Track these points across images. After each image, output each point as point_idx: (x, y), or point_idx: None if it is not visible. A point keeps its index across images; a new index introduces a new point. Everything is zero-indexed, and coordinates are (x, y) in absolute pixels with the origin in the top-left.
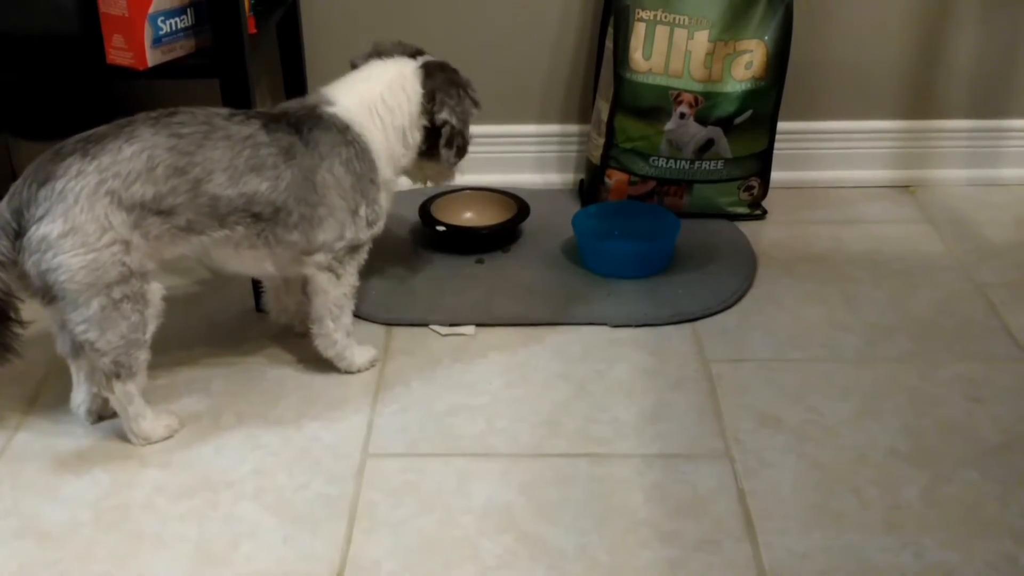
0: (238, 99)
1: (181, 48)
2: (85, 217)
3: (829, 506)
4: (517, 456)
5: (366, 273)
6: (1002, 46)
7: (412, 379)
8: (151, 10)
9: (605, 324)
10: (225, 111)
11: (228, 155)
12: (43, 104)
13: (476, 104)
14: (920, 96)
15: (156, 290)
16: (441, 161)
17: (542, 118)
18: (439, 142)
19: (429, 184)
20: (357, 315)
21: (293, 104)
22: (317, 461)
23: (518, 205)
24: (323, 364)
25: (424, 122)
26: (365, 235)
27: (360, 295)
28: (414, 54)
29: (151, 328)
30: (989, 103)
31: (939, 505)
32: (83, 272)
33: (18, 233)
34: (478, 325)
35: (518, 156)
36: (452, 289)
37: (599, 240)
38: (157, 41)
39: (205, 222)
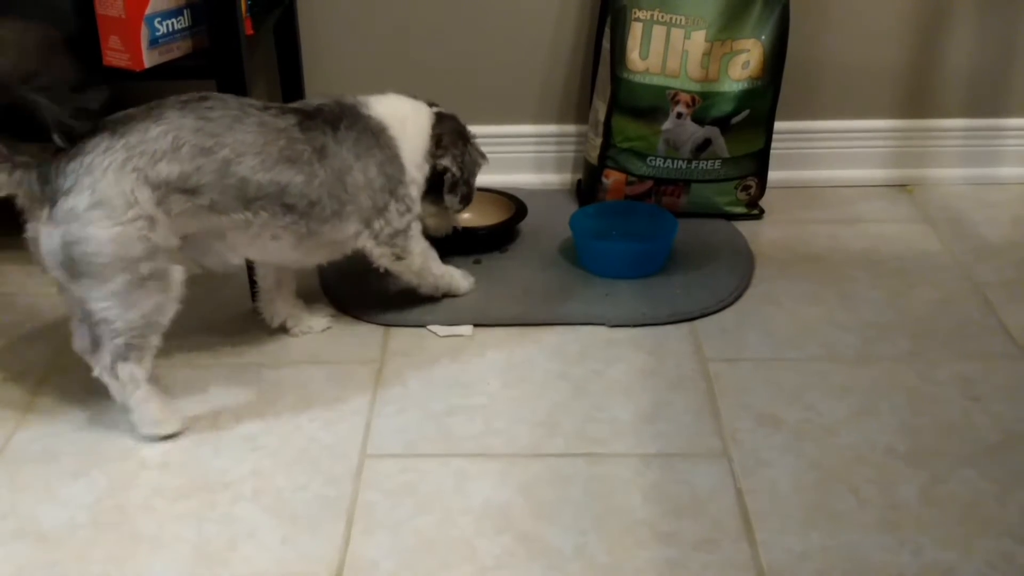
0: None
1: (178, 49)
2: (112, 191)
3: (827, 505)
4: (515, 456)
5: (364, 273)
6: (999, 45)
7: (410, 380)
8: (148, 11)
9: (603, 324)
10: (259, 103)
11: (261, 140)
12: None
13: (483, 157)
14: (917, 95)
15: (178, 273)
16: (446, 206)
17: (539, 118)
18: (442, 188)
19: (427, 230)
20: (354, 315)
21: (328, 101)
22: (315, 462)
23: (516, 206)
24: (321, 365)
25: (430, 161)
26: (401, 223)
27: (358, 295)
28: (428, 104)
29: (171, 313)
30: (986, 102)
31: (937, 504)
32: (111, 245)
33: (41, 199)
34: (476, 325)
35: (515, 156)
36: None
37: (597, 240)
38: (154, 42)
39: (230, 204)
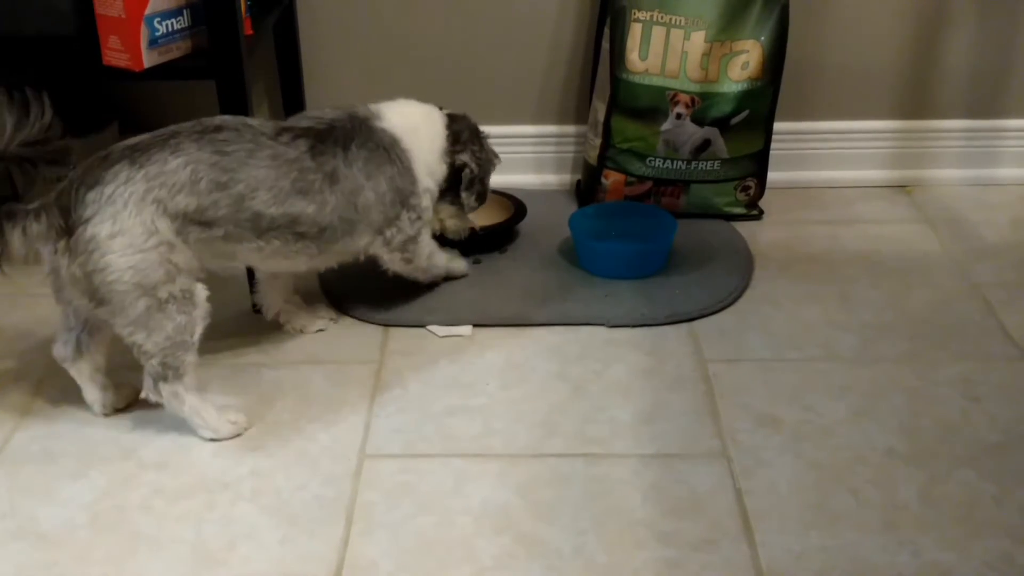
0: (234, 100)
1: (177, 49)
2: (133, 221)
3: (826, 506)
4: (514, 456)
5: (363, 273)
6: (998, 46)
7: (409, 380)
8: (147, 11)
9: (602, 324)
10: (270, 128)
11: (273, 175)
12: None
13: (496, 156)
14: (916, 96)
15: (201, 290)
16: (462, 204)
17: (539, 119)
18: (459, 187)
19: (445, 232)
20: (354, 316)
21: (340, 116)
22: (314, 462)
23: (515, 206)
24: (320, 365)
25: (447, 160)
26: (412, 230)
27: (357, 295)
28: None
29: (199, 330)
30: (985, 103)
31: (936, 504)
32: (130, 272)
33: (62, 231)
34: (475, 326)
35: (515, 157)
36: (449, 290)
37: (596, 240)
38: (153, 42)
39: (244, 235)
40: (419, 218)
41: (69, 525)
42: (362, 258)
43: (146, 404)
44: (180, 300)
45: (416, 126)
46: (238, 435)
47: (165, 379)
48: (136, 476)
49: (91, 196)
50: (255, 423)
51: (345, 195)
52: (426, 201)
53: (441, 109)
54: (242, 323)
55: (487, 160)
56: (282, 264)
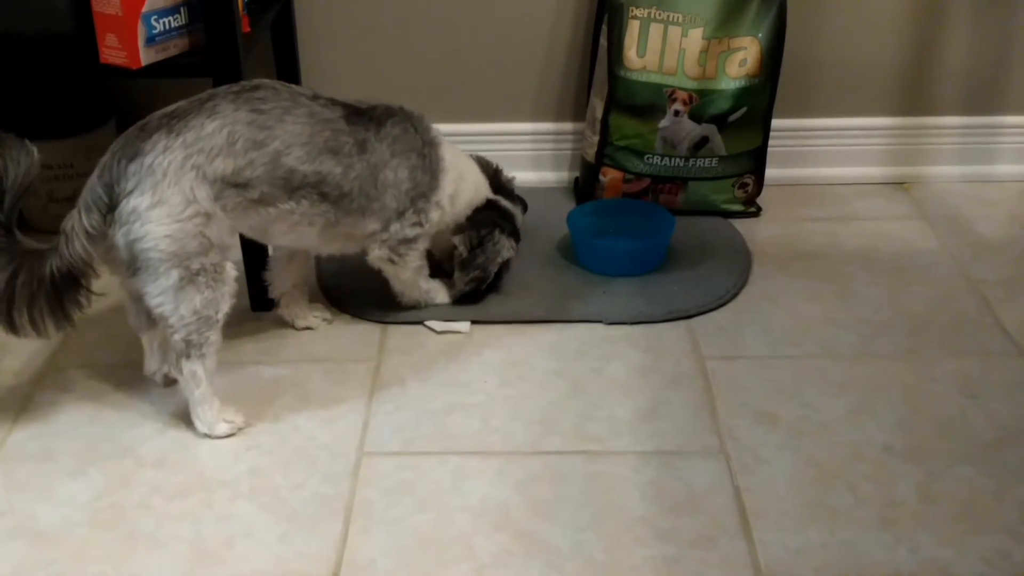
0: None
1: (175, 47)
2: (172, 191)
3: (824, 503)
4: (513, 454)
5: (361, 271)
6: (995, 42)
7: (407, 377)
8: (144, 9)
9: (600, 322)
10: (309, 91)
11: (308, 131)
12: (37, 104)
13: (513, 248)
14: (914, 93)
15: (231, 268)
16: (455, 286)
17: (537, 116)
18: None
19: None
20: (352, 313)
21: (389, 105)
22: (313, 460)
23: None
24: (319, 363)
25: (454, 230)
26: (411, 233)
27: (355, 293)
28: (494, 173)
29: (224, 308)
30: (983, 99)
31: (934, 501)
32: (167, 241)
33: (110, 207)
34: (473, 323)
35: (513, 154)
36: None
37: (594, 238)
38: (150, 40)
39: (277, 194)
40: (420, 224)
41: (67, 523)
42: (360, 248)
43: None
44: (210, 274)
45: (466, 166)
46: (231, 435)
47: (188, 356)
48: (134, 474)
49: (132, 168)
50: (253, 421)
51: (370, 167)
52: (435, 215)
53: (495, 176)
54: (240, 321)
55: (494, 251)
56: (304, 234)
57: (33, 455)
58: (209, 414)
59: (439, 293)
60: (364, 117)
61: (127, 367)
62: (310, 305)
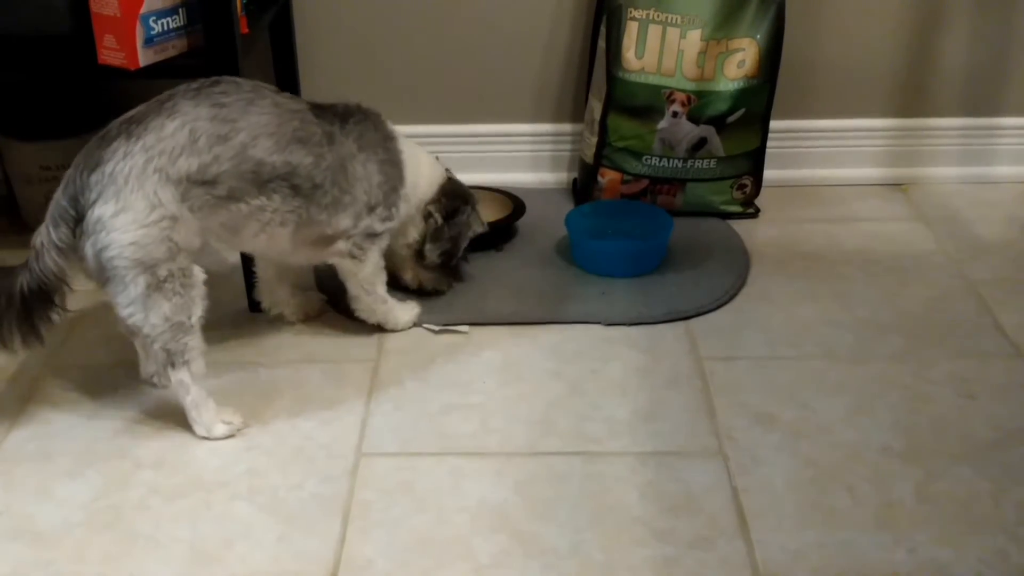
0: None
1: (173, 48)
2: (135, 196)
3: (822, 503)
4: (511, 455)
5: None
6: (993, 44)
7: (406, 378)
8: (143, 10)
9: (599, 323)
10: (272, 87)
11: (275, 121)
12: (35, 104)
13: (481, 224)
14: (912, 94)
15: (199, 272)
16: (426, 259)
17: (535, 117)
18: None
19: (422, 285)
20: (350, 315)
21: (341, 102)
22: (311, 461)
23: (514, 204)
24: (317, 364)
25: (430, 201)
26: (380, 227)
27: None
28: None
29: (197, 312)
30: (981, 101)
31: (932, 502)
32: (132, 248)
33: (76, 219)
34: (472, 324)
35: (511, 155)
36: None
37: (592, 239)
38: (149, 41)
39: (246, 188)
40: (391, 218)
41: (65, 524)
42: (327, 257)
43: (143, 400)
44: (178, 279)
45: (417, 154)
46: (231, 436)
47: (172, 365)
48: (132, 475)
49: (94, 178)
50: (252, 422)
51: (339, 158)
52: (403, 207)
53: (446, 171)
54: (237, 322)
55: (464, 223)
56: (275, 235)
57: (31, 456)
58: (206, 416)
59: (397, 313)
60: (327, 112)
61: (125, 368)
62: (307, 297)
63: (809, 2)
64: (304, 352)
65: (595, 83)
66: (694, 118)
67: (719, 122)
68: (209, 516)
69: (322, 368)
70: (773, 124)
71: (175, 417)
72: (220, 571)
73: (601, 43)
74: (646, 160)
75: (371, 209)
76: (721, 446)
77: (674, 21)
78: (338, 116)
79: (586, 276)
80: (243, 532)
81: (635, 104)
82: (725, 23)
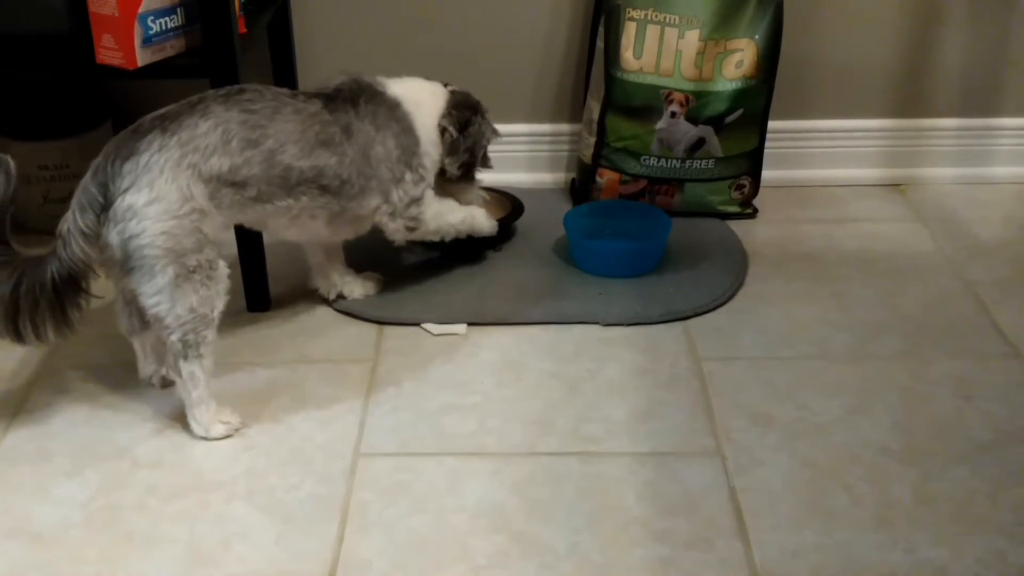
0: None
1: (171, 48)
2: (170, 187)
3: (820, 504)
4: (509, 455)
5: (358, 271)
6: (991, 45)
7: (404, 379)
8: (141, 10)
9: (597, 323)
10: (286, 90)
11: (299, 128)
12: (33, 104)
13: (494, 132)
14: (910, 95)
15: (224, 266)
16: (448, 173)
17: (533, 117)
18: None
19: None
20: (348, 314)
21: (344, 80)
22: (309, 461)
23: (512, 204)
24: (315, 364)
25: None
26: (417, 191)
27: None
28: (444, 84)
29: (219, 306)
30: (979, 102)
31: (930, 502)
32: (163, 237)
33: (104, 207)
34: (470, 324)
35: (509, 155)
36: (444, 288)
37: (590, 239)
38: (147, 41)
39: (274, 192)
40: (422, 179)
41: (63, 524)
42: (369, 226)
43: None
44: (205, 271)
45: (417, 95)
46: (229, 436)
47: (185, 357)
48: (130, 475)
49: (127, 167)
50: (250, 422)
51: (359, 148)
52: (428, 163)
53: (446, 86)
54: (236, 322)
55: (478, 132)
56: (307, 227)
57: (29, 456)
58: (206, 416)
59: (479, 220)
60: (339, 101)
61: (123, 368)
62: (364, 276)
63: (807, 3)
64: (302, 352)
65: (593, 83)
66: (692, 118)
67: (717, 122)
68: (207, 516)
69: (320, 368)
70: (771, 124)
71: (173, 417)
72: (218, 571)
73: (599, 43)
74: (644, 160)
75: (398, 180)
76: (719, 446)
77: (672, 21)
78: (349, 101)
79: (584, 276)
80: (241, 532)
81: (633, 104)
82: (723, 23)
